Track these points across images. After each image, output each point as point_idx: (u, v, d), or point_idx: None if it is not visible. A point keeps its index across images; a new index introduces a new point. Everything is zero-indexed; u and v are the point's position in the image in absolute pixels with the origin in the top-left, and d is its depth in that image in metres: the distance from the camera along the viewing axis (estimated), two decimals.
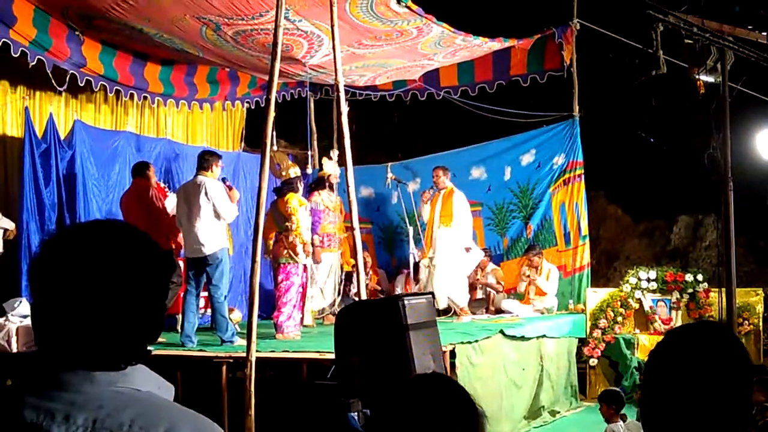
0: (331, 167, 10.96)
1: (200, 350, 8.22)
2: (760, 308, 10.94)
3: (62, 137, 9.98)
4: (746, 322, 10.59)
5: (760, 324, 10.91)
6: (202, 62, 10.88)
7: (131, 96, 10.66)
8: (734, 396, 1.79)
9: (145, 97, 10.90)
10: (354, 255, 7.68)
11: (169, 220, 9.31)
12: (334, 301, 11.01)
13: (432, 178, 11.04)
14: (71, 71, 9.45)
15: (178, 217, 8.99)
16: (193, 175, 8.98)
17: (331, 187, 10.97)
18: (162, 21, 8.81)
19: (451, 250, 10.66)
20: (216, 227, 8.71)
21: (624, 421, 7.19)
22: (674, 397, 1.80)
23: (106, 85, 10.11)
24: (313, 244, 10.65)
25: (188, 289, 8.72)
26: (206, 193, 8.64)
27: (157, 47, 9.95)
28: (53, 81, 9.35)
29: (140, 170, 9.54)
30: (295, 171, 10.15)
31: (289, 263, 9.39)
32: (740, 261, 10.85)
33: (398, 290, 12.23)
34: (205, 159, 8.92)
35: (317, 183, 11.30)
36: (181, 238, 9.05)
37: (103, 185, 10.40)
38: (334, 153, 11.02)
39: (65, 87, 9.56)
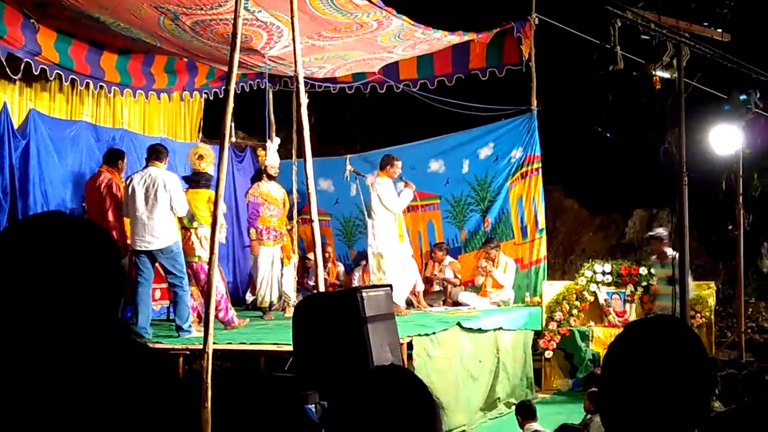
0: (270, 158, 10.88)
1: (156, 342, 8.17)
2: (712, 301, 11.10)
3: (16, 126, 9.84)
4: (698, 315, 10.73)
5: (712, 317, 11.08)
6: (160, 52, 10.76)
7: (87, 85, 10.52)
8: (690, 388, 1.82)
9: (102, 87, 10.75)
10: (313, 247, 7.65)
11: (117, 215, 9.29)
12: (280, 294, 10.98)
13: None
14: (26, 59, 9.30)
15: (129, 207, 8.87)
16: (144, 166, 8.93)
17: (270, 178, 10.90)
18: (119, 10, 8.70)
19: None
20: (170, 220, 8.71)
21: None
22: (632, 390, 1.83)
23: (61, 73, 9.96)
24: (251, 238, 10.67)
25: (140, 281, 8.65)
26: (164, 186, 8.61)
27: (114, 36, 9.83)
28: (7, 69, 9.19)
29: (110, 159, 9.61)
30: (213, 168, 9.82)
31: (200, 261, 9.28)
32: (693, 255, 11.00)
33: (356, 282, 12.24)
34: (160, 151, 8.94)
35: (256, 175, 11.29)
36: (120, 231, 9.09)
37: (59, 175, 10.27)
38: (273, 143, 10.97)
39: (20, 75, 9.41)
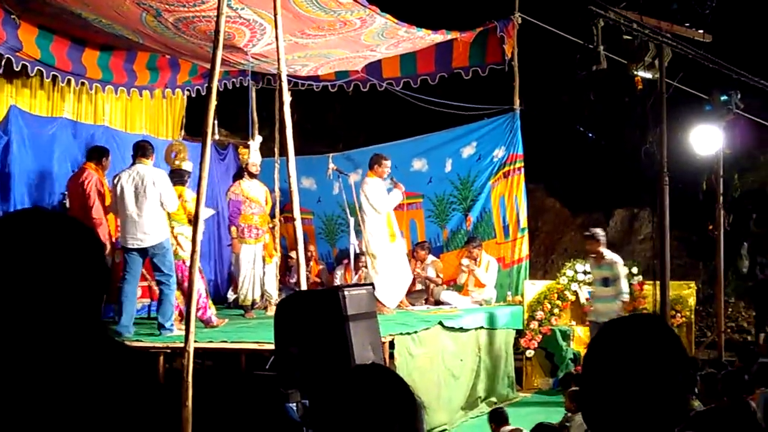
0: (251, 156, 10.85)
1: (137, 340, 8.13)
2: (692, 301, 11.16)
3: None
4: (679, 314, 10.79)
5: (692, 316, 11.14)
6: (142, 48, 10.71)
7: (68, 82, 10.45)
8: (670, 388, 1.83)
9: (83, 83, 10.69)
10: (295, 246, 7.64)
11: (102, 211, 9.24)
12: (262, 293, 10.95)
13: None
14: (6, 55, 9.23)
15: (119, 206, 8.79)
16: (131, 164, 8.88)
17: (252, 176, 10.87)
18: (101, 6, 8.65)
19: None
20: (161, 217, 8.67)
21: None
22: (612, 389, 1.83)
23: (42, 70, 9.89)
24: (231, 236, 10.63)
25: (127, 278, 8.60)
26: (154, 183, 8.58)
27: (96, 33, 9.78)
28: None
29: (94, 156, 9.61)
30: (188, 164, 9.77)
31: (177, 260, 9.23)
32: (674, 254, 11.06)
33: (337, 281, 12.24)
34: (146, 148, 8.89)
35: (237, 173, 11.26)
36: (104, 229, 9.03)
37: (39, 172, 10.20)
38: (255, 141, 10.94)
39: (0, 71, 9.36)
